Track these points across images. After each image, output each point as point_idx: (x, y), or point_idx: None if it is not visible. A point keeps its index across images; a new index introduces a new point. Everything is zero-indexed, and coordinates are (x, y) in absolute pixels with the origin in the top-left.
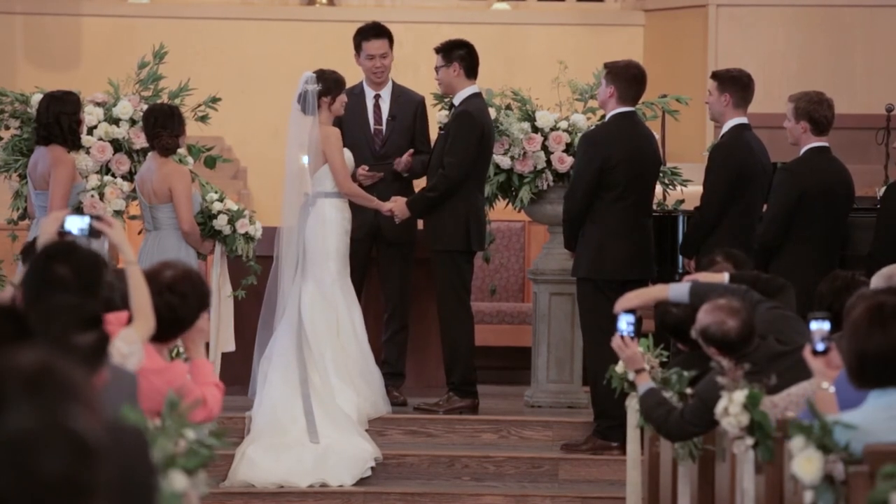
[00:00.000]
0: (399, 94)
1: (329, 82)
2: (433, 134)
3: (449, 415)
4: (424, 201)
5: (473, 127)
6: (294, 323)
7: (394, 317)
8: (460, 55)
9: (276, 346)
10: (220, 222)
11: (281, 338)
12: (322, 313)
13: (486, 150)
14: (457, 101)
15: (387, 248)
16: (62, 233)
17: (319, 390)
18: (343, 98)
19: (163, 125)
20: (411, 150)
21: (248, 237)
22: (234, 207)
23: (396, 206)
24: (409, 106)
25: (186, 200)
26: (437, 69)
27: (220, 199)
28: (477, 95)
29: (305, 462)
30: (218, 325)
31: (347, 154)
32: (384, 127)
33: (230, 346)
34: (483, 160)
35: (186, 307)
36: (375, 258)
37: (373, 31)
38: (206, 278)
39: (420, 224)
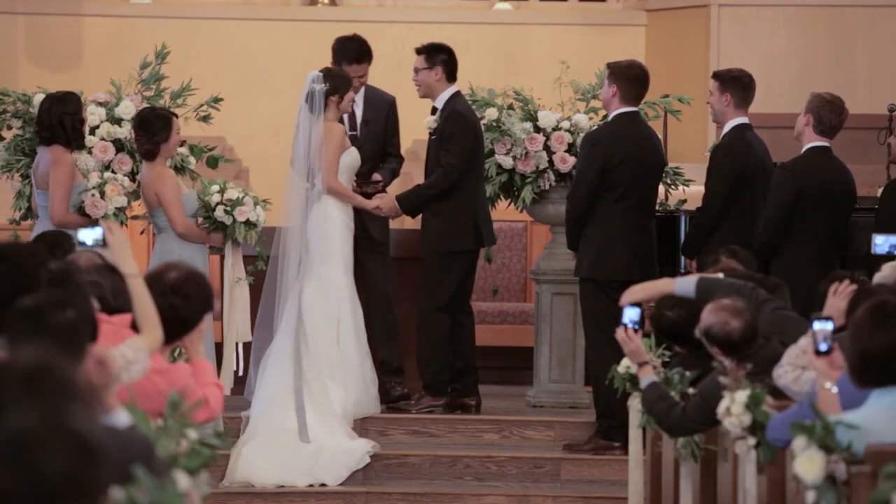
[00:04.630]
0: (371, 97)
1: (337, 80)
2: (404, 136)
3: (421, 414)
4: (421, 198)
5: (467, 126)
6: (294, 321)
7: (385, 317)
8: (443, 59)
9: (274, 346)
10: (220, 213)
11: (280, 338)
12: (323, 312)
13: (479, 146)
14: (439, 103)
15: (373, 250)
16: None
17: (312, 388)
18: (351, 95)
19: (144, 130)
20: (376, 175)
21: (249, 223)
22: (234, 196)
23: (384, 202)
24: (381, 109)
25: (175, 203)
26: (416, 70)
27: (221, 191)
28: (458, 94)
29: (301, 460)
30: (229, 315)
31: (354, 153)
32: (358, 133)
33: (247, 336)
34: (479, 157)
35: (190, 309)
36: (361, 260)
37: (356, 55)
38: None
39: (417, 224)
